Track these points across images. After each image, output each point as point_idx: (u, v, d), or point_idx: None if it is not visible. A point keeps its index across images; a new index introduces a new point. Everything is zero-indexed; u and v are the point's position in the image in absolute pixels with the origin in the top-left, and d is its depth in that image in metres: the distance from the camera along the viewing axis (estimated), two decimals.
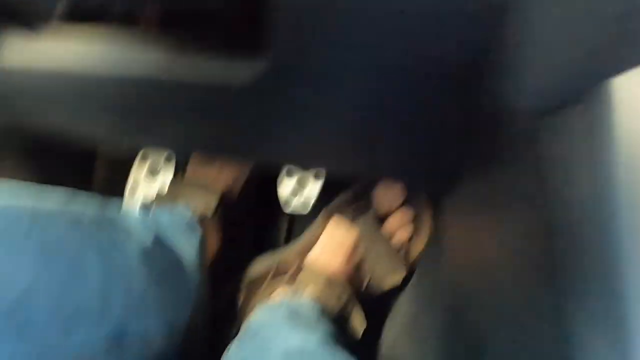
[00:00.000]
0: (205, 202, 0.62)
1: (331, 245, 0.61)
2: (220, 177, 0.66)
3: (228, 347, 0.49)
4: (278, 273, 0.63)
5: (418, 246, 0.63)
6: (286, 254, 0.64)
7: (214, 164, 0.66)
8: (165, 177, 0.73)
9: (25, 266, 0.37)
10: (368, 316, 0.59)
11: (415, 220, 0.63)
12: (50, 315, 0.38)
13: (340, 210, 0.64)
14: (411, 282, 0.62)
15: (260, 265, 0.65)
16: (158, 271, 0.49)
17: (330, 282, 0.57)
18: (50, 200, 0.44)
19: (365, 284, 0.62)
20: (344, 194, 0.66)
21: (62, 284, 0.39)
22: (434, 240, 0.60)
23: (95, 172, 0.77)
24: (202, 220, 0.61)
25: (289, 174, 0.71)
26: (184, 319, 0.51)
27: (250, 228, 0.72)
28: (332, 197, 0.66)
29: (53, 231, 0.41)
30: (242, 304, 0.63)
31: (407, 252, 0.63)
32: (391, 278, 0.61)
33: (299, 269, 0.61)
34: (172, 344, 0.49)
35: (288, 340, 0.45)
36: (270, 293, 0.62)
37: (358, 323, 0.58)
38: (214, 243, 0.63)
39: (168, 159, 0.74)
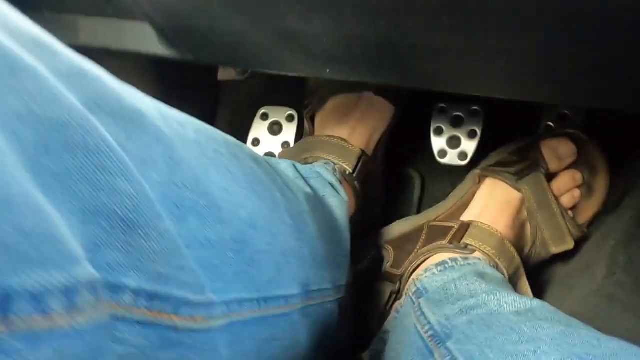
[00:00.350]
0: (345, 160, 0.58)
1: (494, 205, 0.56)
2: (355, 136, 0.62)
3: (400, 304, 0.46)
4: (434, 236, 0.56)
5: (589, 211, 0.59)
6: (434, 213, 0.59)
7: (347, 122, 0.62)
8: (287, 137, 0.71)
9: (242, 193, 0.34)
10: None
11: (587, 181, 0.58)
12: (266, 254, 0.35)
13: (498, 171, 0.57)
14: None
15: (406, 223, 0.60)
16: (319, 222, 0.45)
17: (503, 243, 0.52)
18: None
19: (527, 250, 0.57)
20: (501, 150, 0.61)
21: (271, 220, 0.36)
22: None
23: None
24: (343, 179, 0.57)
25: (437, 132, 0.65)
26: (342, 280, 0.48)
27: (383, 189, 0.68)
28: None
29: (246, 163, 0.37)
30: (393, 262, 0.57)
31: (575, 217, 0.58)
32: (557, 247, 0.56)
33: (464, 228, 0.54)
34: (336, 311, 0.47)
35: (501, 300, 0.41)
36: (429, 253, 0.54)
37: (523, 294, 0.53)
38: (352, 203, 0.59)
39: (289, 119, 0.72)
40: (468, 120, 0.66)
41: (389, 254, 0.57)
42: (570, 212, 0.58)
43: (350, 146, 0.60)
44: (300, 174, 0.49)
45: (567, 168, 0.58)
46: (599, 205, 0.59)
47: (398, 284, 0.54)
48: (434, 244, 0.54)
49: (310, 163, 0.58)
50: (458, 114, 0.67)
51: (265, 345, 0.35)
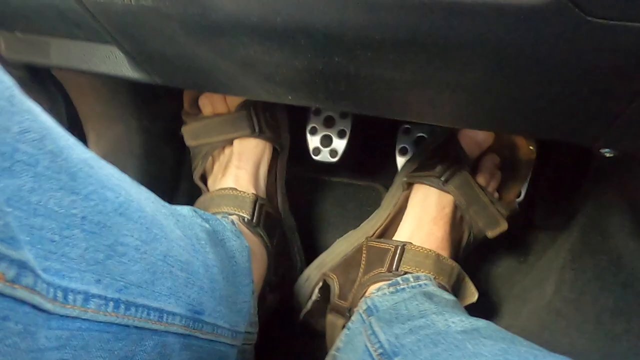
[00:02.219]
0: (240, 209, 0.58)
1: (427, 219, 0.57)
2: (240, 182, 0.61)
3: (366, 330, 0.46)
4: (373, 260, 0.56)
5: (517, 186, 0.61)
6: (371, 225, 0.60)
7: (229, 172, 0.62)
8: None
9: (114, 180, 0.31)
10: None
11: (510, 158, 0.60)
12: (138, 251, 0.31)
13: (424, 176, 0.58)
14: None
15: (346, 243, 0.61)
16: (220, 262, 0.43)
17: (438, 261, 0.54)
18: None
19: (465, 241, 0.59)
20: (421, 150, 0.62)
21: (152, 218, 0.34)
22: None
23: None
24: (245, 228, 0.56)
25: (402, 152, 0.68)
26: (240, 326, 0.46)
27: (295, 237, 0.69)
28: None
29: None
30: (339, 292, 0.57)
31: (504, 196, 0.60)
32: (492, 232, 0.58)
33: (399, 252, 0.54)
34: (230, 357, 0.44)
35: (449, 320, 0.43)
36: (371, 281, 0.55)
37: (470, 294, 0.55)
38: (262, 251, 0.58)
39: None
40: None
41: (334, 284, 0.58)
42: (496, 194, 0.60)
43: (242, 193, 0.59)
44: (200, 216, 0.47)
45: (485, 153, 0.60)
46: (525, 178, 0.61)
47: (348, 316, 0.55)
48: (374, 272, 0.55)
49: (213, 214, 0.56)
50: (421, 134, 0.70)
51: None
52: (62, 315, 0.26)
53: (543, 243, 0.68)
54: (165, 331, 0.33)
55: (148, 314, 0.32)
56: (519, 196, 0.65)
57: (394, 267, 0.54)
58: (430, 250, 0.54)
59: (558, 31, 0.29)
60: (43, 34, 0.51)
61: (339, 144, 0.68)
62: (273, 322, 0.64)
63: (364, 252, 0.58)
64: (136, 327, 0.31)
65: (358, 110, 0.48)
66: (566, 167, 0.68)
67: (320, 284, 0.60)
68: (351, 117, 0.68)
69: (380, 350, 0.43)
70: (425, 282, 0.52)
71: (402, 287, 0.51)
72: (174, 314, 0.34)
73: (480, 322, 0.43)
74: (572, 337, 0.53)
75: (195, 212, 0.47)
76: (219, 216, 0.54)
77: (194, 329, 0.37)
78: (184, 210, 0.45)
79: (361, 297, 0.55)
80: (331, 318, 0.57)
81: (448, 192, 0.57)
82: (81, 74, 0.56)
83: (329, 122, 0.69)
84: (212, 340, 0.40)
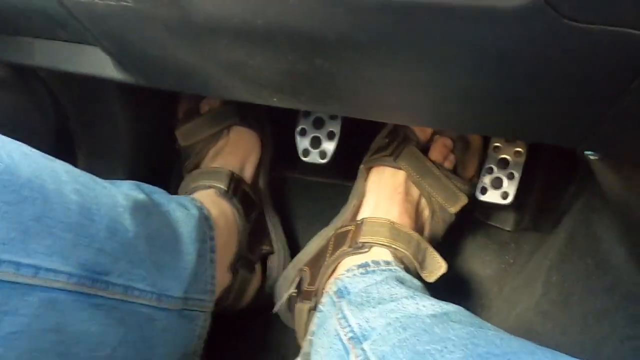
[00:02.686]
0: (217, 181, 0.62)
1: (383, 196, 0.58)
2: (227, 165, 0.65)
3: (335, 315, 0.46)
4: (338, 243, 0.57)
5: (473, 162, 0.62)
6: (340, 219, 0.62)
7: (219, 156, 0.66)
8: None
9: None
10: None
11: (462, 137, 0.61)
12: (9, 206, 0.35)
13: (377, 158, 0.60)
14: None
15: (319, 238, 0.62)
16: (150, 228, 0.46)
17: (393, 228, 0.54)
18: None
19: (430, 220, 0.59)
20: (376, 139, 0.64)
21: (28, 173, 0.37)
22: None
23: None
24: (220, 199, 0.60)
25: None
26: (175, 291, 0.48)
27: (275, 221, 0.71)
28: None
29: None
30: (310, 280, 0.58)
31: (462, 174, 0.61)
32: (453, 206, 0.59)
33: (359, 228, 0.56)
34: (159, 320, 0.46)
35: (419, 304, 0.43)
36: (335, 261, 0.56)
37: (437, 266, 0.54)
38: (234, 219, 0.61)
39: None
40: None
41: (307, 274, 0.59)
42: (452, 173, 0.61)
43: (219, 168, 0.64)
44: (142, 189, 0.50)
45: (434, 136, 0.62)
46: (479, 154, 0.63)
47: (314, 300, 0.56)
48: (337, 252, 0.56)
49: (191, 193, 0.61)
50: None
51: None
52: None
53: (532, 244, 0.67)
54: (48, 287, 0.36)
55: (17, 269, 0.34)
56: (506, 197, 0.65)
57: (354, 241, 0.55)
58: (385, 219, 0.55)
59: (537, 34, 0.28)
60: (26, 35, 0.51)
61: (328, 146, 0.68)
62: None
63: (332, 241, 0.59)
64: (6, 282, 0.33)
65: (341, 112, 0.48)
66: (556, 169, 0.68)
67: (297, 279, 0.60)
68: (340, 119, 0.67)
69: (351, 334, 0.43)
70: (395, 267, 0.52)
71: (372, 269, 0.51)
72: (56, 271, 0.36)
73: (451, 307, 0.43)
74: (557, 339, 0.53)
75: (138, 186, 0.50)
76: (196, 192, 0.59)
77: (94, 287, 0.39)
78: (119, 183, 0.48)
79: (328, 278, 0.55)
80: (299, 305, 0.58)
81: (400, 168, 0.59)
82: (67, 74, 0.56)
83: (318, 124, 0.68)
84: (126, 301, 0.42)
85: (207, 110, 0.68)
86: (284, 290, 0.61)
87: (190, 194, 0.61)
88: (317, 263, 0.59)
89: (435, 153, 0.61)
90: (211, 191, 0.61)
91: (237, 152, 0.67)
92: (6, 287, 0.34)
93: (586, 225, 0.56)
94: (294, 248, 0.70)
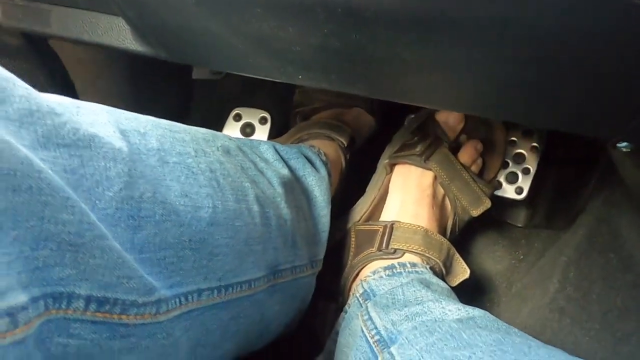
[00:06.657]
0: (340, 136, 0.63)
1: (410, 199, 0.58)
2: (349, 123, 0.67)
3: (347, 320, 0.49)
4: (362, 242, 0.57)
5: (495, 164, 0.62)
6: (357, 212, 0.60)
7: (337, 122, 0.67)
8: (259, 139, 0.71)
9: (203, 193, 0.37)
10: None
11: (486, 137, 0.61)
12: (227, 247, 0.38)
13: (405, 155, 0.59)
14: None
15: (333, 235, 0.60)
16: (296, 202, 0.49)
17: (427, 236, 0.54)
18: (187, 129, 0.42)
19: (452, 221, 0.59)
20: (402, 131, 0.63)
21: (234, 214, 0.39)
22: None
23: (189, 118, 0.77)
24: (340, 152, 0.62)
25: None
26: (320, 254, 0.51)
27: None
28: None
29: (214, 158, 0.40)
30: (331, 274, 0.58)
31: (484, 175, 0.62)
32: (476, 210, 0.59)
33: (388, 231, 0.55)
34: (311, 282, 0.50)
35: (445, 308, 0.43)
36: (362, 263, 0.55)
37: (462, 271, 0.55)
38: (336, 179, 0.63)
39: (262, 122, 0.74)
40: None
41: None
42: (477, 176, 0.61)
43: (344, 125, 0.65)
44: (280, 156, 0.51)
45: (461, 135, 0.62)
46: (502, 155, 0.63)
47: (340, 300, 0.55)
48: (365, 253, 0.55)
49: (305, 140, 0.63)
50: None
51: (230, 323, 0.40)
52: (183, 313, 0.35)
53: (543, 241, 0.67)
54: (254, 293, 0.42)
55: (241, 288, 0.40)
56: (521, 193, 0.65)
57: (384, 245, 0.54)
58: (419, 226, 0.55)
59: (602, 15, 0.27)
60: (45, 1, 0.49)
61: None
62: None
63: (353, 236, 0.58)
64: (237, 299, 0.40)
65: (367, 93, 0.46)
66: (571, 165, 0.67)
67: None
68: None
69: (377, 337, 0.43)
70: (422, 269, 0.52)
71: (398, 271, 0.51)
72: (258, 279, 0.42)
73: (477, 312, 0.43)
74: (576, 335, 0.52)
75: (277, 151, 0.52)
76: (308, 144, 0.61)
77: (275, 278, 0.45)
78: (268, 154, 0.50)
79: (353, 280, 0.55)
80: (323, 303, 0.57)
81: (429, 169, 0.58)
82: (81, 48, 0.54)
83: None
84: (293, 280, 0.48)
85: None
86: None
87: (309, 140, 0.63)
88: (335, 259, 0.58)
89: (466, 156, 0.60)
90: (335, 143, 0.63)
91: (356, 123, 0.69)
92: (234, 306, 0.40)
93: (607, 221, 0.55)
94: None
